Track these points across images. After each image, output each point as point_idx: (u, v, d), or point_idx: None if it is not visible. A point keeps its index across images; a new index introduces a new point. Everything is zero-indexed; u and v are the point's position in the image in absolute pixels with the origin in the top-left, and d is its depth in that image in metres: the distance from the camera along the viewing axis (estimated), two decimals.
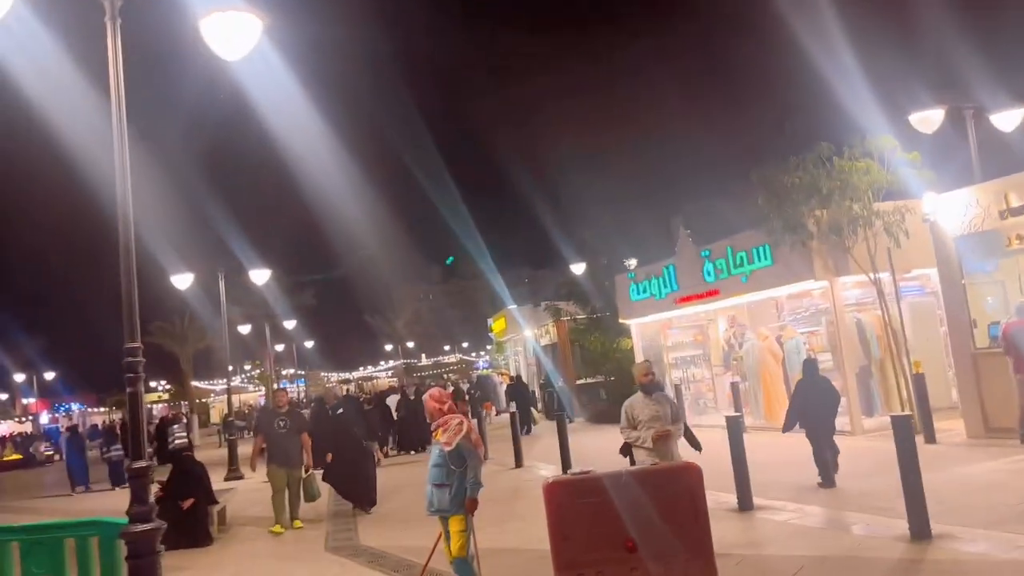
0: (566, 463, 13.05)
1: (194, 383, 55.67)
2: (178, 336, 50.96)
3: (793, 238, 13.29)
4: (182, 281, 21.26)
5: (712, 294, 16.80)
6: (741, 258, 15.62)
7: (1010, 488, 8.53)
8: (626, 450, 7.70)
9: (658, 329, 20.29)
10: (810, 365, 11.20)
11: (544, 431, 21.53)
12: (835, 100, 15.33)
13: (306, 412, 16.25)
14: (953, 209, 11.95)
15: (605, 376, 23.73)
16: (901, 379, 13.05)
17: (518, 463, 15.07)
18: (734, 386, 16.61)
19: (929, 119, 13.06)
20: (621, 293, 20.83)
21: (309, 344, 52.94)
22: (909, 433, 7.12)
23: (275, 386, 38.68)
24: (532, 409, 25.78)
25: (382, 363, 75.68)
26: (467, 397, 29.95)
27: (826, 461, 9.90)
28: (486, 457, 16.64)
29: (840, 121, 14.81)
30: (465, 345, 77.77)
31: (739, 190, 16.15)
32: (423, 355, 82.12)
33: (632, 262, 22.42)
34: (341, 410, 14.50)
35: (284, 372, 56.97)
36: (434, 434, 6.30)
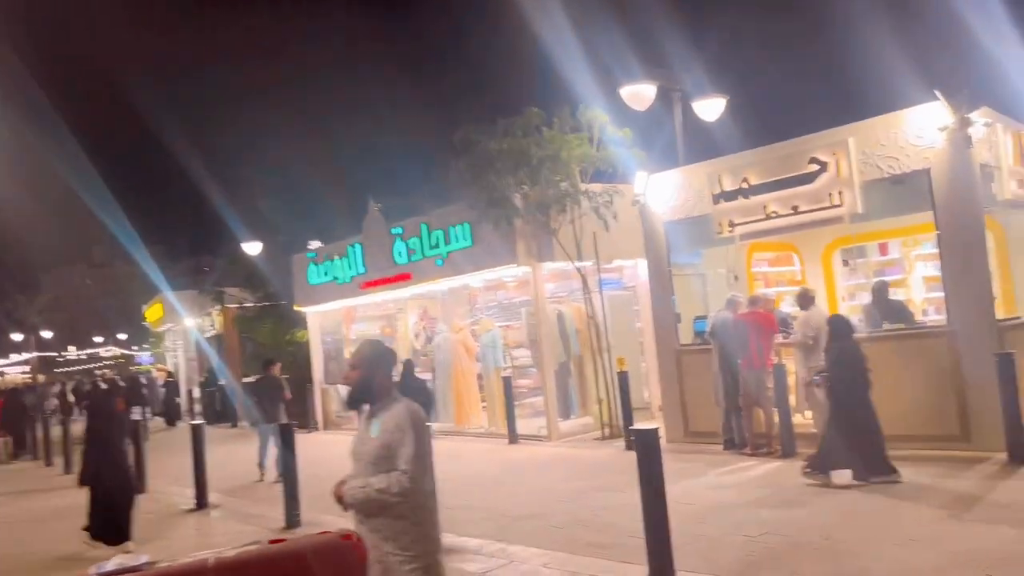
0: (201, 490, 9.78)
1: None
2: None
3: (497, 213, 11.43)
4: None
5: (403, 278, 14.50)
6: (437, 237, 13.51)
7: (744, 513, 7.20)
8: None
9: (340, 319, 17.56)
10: (408, 365, 10.06)
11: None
12: (546, 69, 13.94)
13: None
14: (664, 191, 10.91)
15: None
16: (601, 378, 11.82)
17: (140, 488, 11.33)
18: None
19: (641, 95, 12.01)
20: (299, 276, 17.74)
21: None
22: (655, 453, 5.26)
23: None
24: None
25: (14, 356, 62.77)
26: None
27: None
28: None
29: (551, 93, 13.42)
30: (123, 337, 67.66)
31: (440, 163, 14.04)
32: (74, 348, 70.13)
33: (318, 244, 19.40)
34: None
35: None
36: None
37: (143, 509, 9.98)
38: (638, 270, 13.36)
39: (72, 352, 70.99)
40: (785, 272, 12.87)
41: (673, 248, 11.04)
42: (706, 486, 8.19)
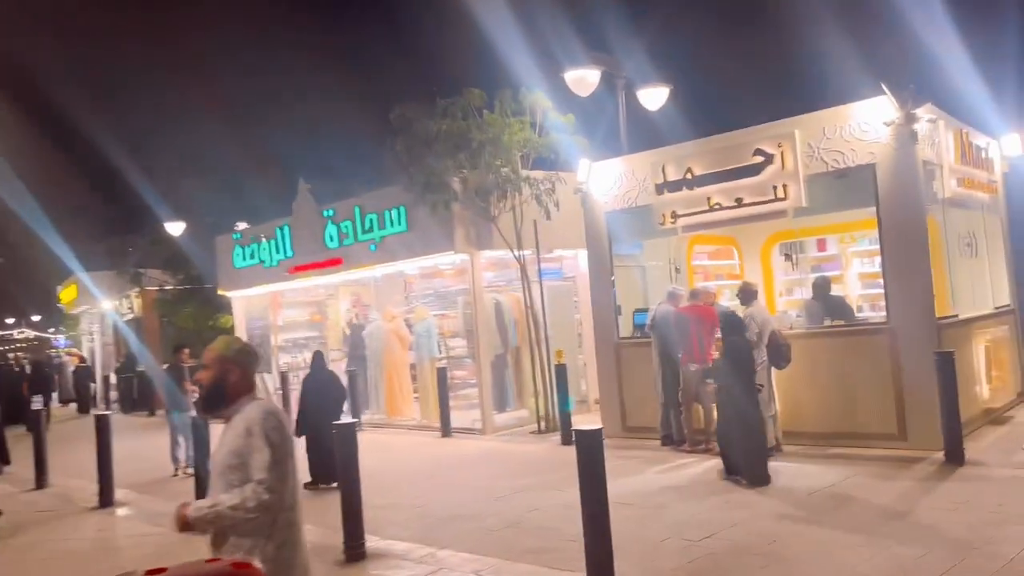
0: (105, 487, 9.06)
1: None
2: None
3: (434, 197, 10.95)
4: None
5: (334, 263, 13.87)
6: (371, 221, 12.93)
7: (684, 514, 6.95)
8: None
9: (267, 304, 16.79)
10: (318, 356, 10.05)
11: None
12: (487, 51, 13.48)
13: None
14: (607, 179, 10.61)
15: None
16: (538, 370, 11.49)
17: (39, 483, 10.52)
18: (351, 376, 13.89)
19: (584, 80, 11.69)
20: (223, 258, 16.88)
21: None
22: (598, 456, 4.92)
23: None
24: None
25: None
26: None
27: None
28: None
29: (492, 75, 12.96)
30: (37, 319, 64.45)
31: (376, 144, 13.44)
32: None
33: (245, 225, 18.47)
34: None
35: None
36: None
37: (40, 506, 9.25)
38: (578, 260, 13.07)
39: None
40: (724, 266, 12.76)
41: (614, 238, 10.76)
42: (644, 485, 7.93)
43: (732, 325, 7.92)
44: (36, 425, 10.95)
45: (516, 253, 11.44)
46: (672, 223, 9.81)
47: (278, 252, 15.13)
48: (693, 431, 9.32)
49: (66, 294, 29.91)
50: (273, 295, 16.36)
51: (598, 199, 10.69)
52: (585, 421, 11.59)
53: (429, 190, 10.92)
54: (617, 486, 7.36)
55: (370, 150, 15.36)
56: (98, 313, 27.62)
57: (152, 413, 19.86)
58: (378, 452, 11.07)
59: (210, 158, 20.82)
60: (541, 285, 11.63)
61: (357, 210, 13.19)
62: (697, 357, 9.19)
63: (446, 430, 11.92)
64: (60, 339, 58.65)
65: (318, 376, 9.81)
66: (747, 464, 7.54)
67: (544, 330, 11.56)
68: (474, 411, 12.20)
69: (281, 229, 14.97)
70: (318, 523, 6.44)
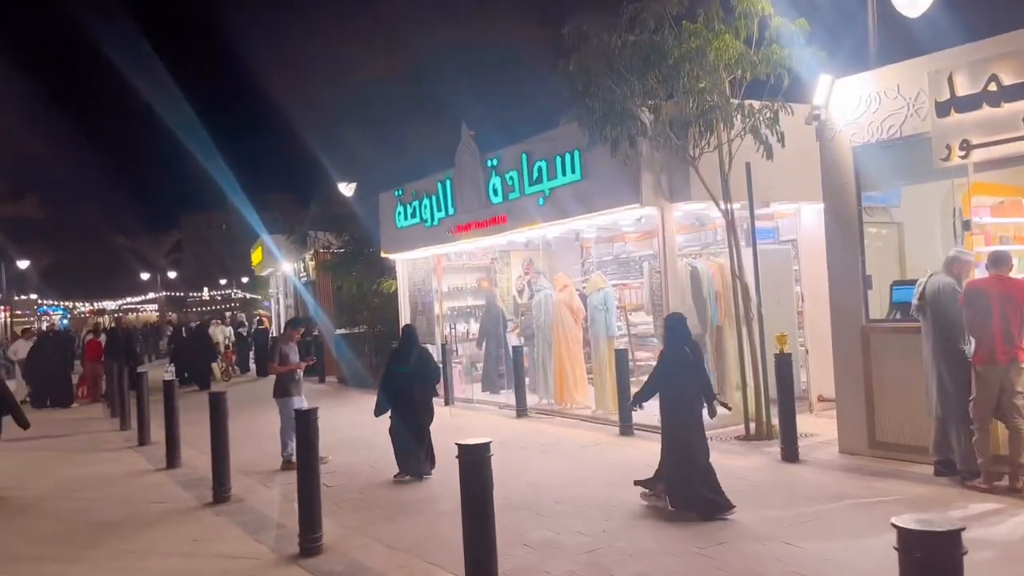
0: (220, 480, 7.63)
1: None
2: None
3: (616, 132, 8.54)
4: None
5: (498, 221, 11.90)
6: (540, 170, 10.78)
7: None
8: None
9: (431, 269, 15.21)
10: (409, 331, 8.65)
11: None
12: None
13: None
14: (856, 103, 7.69)
15: (370, 326, 18.19)
16: (748, 358, 8.85)
17: (171, 460, 9.40)
18: (516, 352, 11.92)
19: None
20: (386, 218, 15.50)
21: (22, 264, 42.53)
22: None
23: None
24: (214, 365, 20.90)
25: (138, 295, 65.32)
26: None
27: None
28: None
29: None
30: (245, 281, 69.31)
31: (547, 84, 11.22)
32: (206, 288, 72.71)
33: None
34: None
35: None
36: None
37: (155, 495, 7.98)
38: (800, 218, 10.22)
39: (205, 293, 73.61)
40: (1009, 225, 9.35)
41: (864, 183, 7.85)
42: None
43: (672, 328, 6.47)
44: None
45: (723, 206, 8.82)
46: (961, 158, 6.77)
47: (439, 210, 13.41)
48: (992, 460, 6.36)
49: (255, 256, 30.61)
50: (436, 258, 14.74)
51: (842, 129, 7.80)
52: (811, 427, 8.85)
53: (610, 122, 8.52)
54: (870, 545, 4.66)
55: (541, 89, 13.16)
56: (280, 275, 27.86)
57: (322, 380, 19.16)
58: (539, 451, 8.99)
59: (376, 113, 19.57)
60: (755, 248, 8.93)
61: (524, 158, 11.08)
62: (1001, 353, 6.23)
63: (625, 427, 9.60)
64: (267, 301, 62.43)
65: (408, 353, 8.18)
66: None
67: (756, 307, 8.88)
68: None
69: (443, 183, 13.21)
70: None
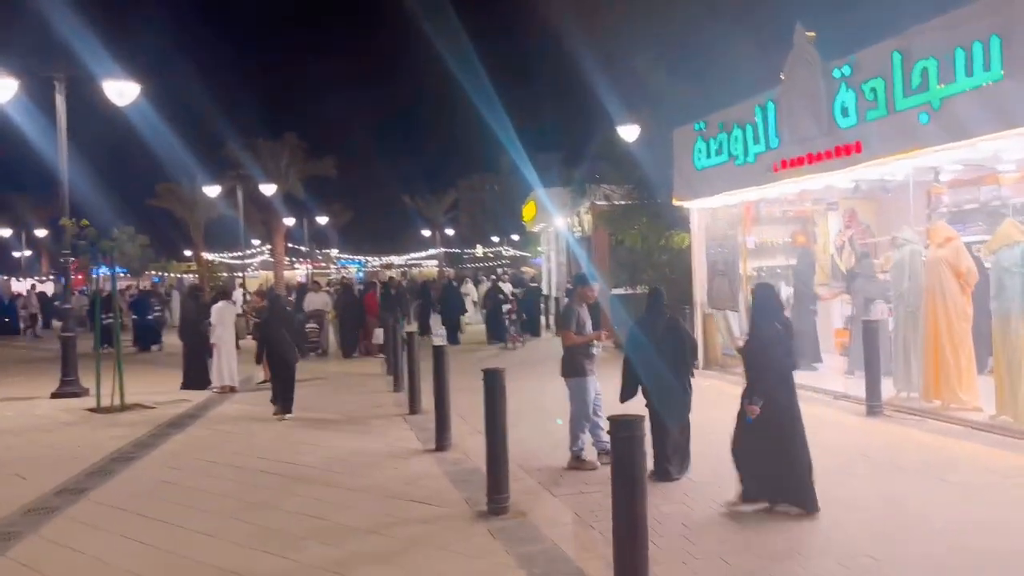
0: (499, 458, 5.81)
1: (207, 255, 49.92)
2: (187, 201, 44.96)
3: None
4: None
5: (845, 151, 8.88)
6: (924, 71, 7.59)
7: None
8: None
9: (735, 220, 12.48)
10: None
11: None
12: None
13: None
14: None
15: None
16: None
17: (440, 442, 7.88)
18: (854, 323, 8.89)
19: None
20: (681, 158, 12.98)
21: (322, 220, 45.95)
22: None
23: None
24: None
25: (421, 251, 69.07)
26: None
27: None
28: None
29: None
30: (516, 239, 70.65)
31: None
32: (479, 245, 75.54)
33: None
34: None
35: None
36: None
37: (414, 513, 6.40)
38: None
39: (479, 249, 76.47)
40: None
41: None
42: None
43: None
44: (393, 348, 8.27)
45: None
46: None
47: (756, 143, 10.63)
48: None
49: (527, 211, 29.62)
50: (746, 206, 11.99)
51: None
52: None
53: None
54: None
55: None
56: (553, 231, 26.52)
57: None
58: (935, 481, 6.09)
59: (665, 30, 16.91)
60: None
61: (896, 58, 7.93)
62: None
63: None
64: (538, 258, 62.93)
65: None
66: None
67: None
68: None
69: (763, 108, 10.39)
70: None
